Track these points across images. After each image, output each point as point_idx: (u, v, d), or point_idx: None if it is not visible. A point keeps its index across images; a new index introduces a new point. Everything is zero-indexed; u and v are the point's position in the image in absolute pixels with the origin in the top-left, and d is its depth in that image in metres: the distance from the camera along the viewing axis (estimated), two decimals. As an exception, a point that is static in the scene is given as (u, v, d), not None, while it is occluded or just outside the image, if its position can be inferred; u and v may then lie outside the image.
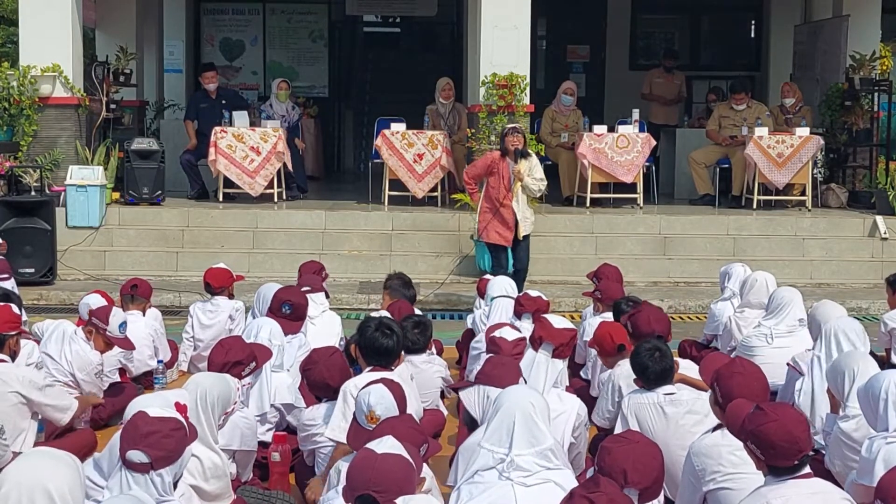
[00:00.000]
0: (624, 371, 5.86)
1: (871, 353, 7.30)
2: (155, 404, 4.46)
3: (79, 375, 6.45)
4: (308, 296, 7.29)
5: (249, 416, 5.51)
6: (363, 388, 4.69)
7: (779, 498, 3.78)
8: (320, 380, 5.53)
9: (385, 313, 6.76)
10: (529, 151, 10.59)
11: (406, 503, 3.54)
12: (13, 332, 5.85)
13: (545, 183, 10.64)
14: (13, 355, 5.85)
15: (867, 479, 4.43)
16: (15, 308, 6.05)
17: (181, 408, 4.58)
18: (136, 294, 7.61)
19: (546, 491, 3.97)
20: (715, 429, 4.72)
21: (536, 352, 5.43)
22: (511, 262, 10.45)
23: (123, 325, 6.70)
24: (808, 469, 3.86)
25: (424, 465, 4.09)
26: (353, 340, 5.91)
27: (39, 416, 5.77)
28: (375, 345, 5.49)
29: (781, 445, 3.80)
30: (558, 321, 5.58)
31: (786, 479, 3.82)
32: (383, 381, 4.69)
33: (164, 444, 3.93)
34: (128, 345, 6.83)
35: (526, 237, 10.56)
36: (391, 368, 5.48)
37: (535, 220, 10.83)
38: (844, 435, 4.93)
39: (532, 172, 10.37)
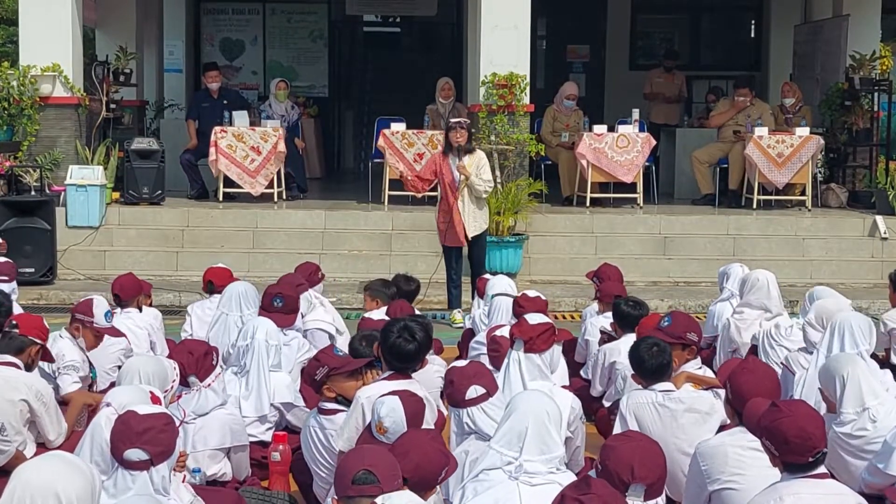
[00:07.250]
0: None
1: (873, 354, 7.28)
2: (134, 397, 4.47)
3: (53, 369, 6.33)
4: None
5: (234, 412, 5.50)
6: (380, 397, 4.63)
7: (792, 495, 3.80)
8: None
9: (382, 314, 6.75)
10: (475, 147, 10.30)
11: (385, 501, 3.54)
12: (37, 343, 5.75)
13: (492, 185, 10.37)
14: (28, 367, 5.76)
15: (884, 463, 4.61)
16: (46, 323, 5.97)
17: (156, 399, 4.59)
18: (121, 298, 7.53)
19: (551, 491, 3.96)
20: (721, 430, 4.74)
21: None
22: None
23: (108, 313, 6.60)
24: (823, 469, 3.89)
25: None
26: (368, 340, 5.86)
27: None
28: (395, 350, 5.28)
29: (794, 442, 3.83)
30: (535, 317, 5.52)
31: (800, 476, 3.85)
32: (402, 393, 4.61)
33: (161, 439, 3.94)
34: (116, 332, 6.79)
35: (479, 238, 10.27)
36: (410, 375, 5.31)
37: (487, 218, 10.43)
38: (840, 438, 4.95)
39: (479, 171, 9.97)
